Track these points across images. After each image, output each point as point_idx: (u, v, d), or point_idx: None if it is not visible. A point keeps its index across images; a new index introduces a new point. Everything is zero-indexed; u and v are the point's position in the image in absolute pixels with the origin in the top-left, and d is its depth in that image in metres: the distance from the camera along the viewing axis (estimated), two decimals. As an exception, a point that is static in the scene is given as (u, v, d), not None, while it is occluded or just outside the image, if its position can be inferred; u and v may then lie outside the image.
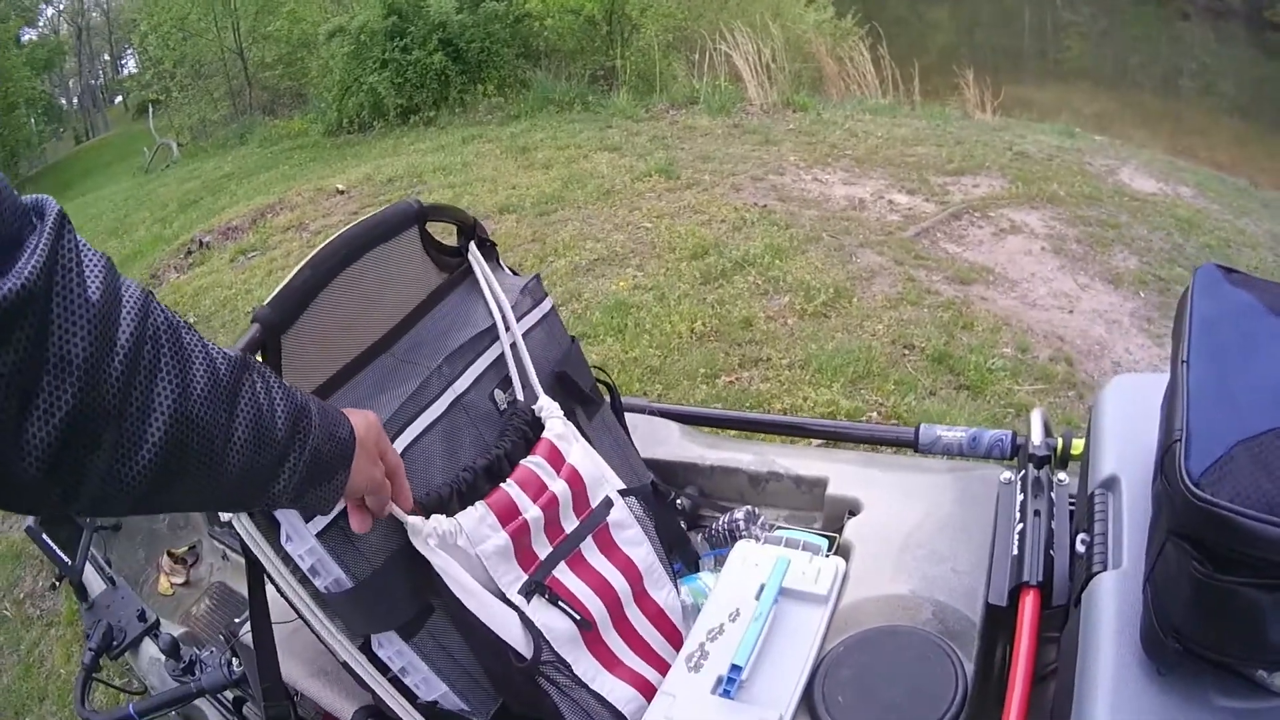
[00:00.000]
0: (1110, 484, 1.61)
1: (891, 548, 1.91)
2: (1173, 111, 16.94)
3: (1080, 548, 1.58)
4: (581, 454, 2.02)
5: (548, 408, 2.05)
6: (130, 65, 46.99)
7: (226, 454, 1.09)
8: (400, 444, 1.77)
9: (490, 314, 2.05)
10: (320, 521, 1.57)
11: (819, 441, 2.87)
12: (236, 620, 2.50)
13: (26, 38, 38.01)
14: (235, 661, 2.37)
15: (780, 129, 11.62)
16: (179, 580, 3.59)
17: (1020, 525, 1.76)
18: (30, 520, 3.19)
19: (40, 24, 41.84)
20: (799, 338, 6.20)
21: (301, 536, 1.57)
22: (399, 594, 1.69)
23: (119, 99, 47.47)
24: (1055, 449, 1.94)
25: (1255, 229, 8.42)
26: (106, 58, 50.55)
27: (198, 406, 1.04)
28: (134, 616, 2.96)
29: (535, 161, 11.32)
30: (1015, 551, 1.71)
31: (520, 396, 2.08)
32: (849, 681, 1.60)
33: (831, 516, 2.20)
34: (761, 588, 1.84)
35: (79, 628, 4.89)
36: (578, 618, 1.85)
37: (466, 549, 1.72)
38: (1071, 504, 1.81)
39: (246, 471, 1.13)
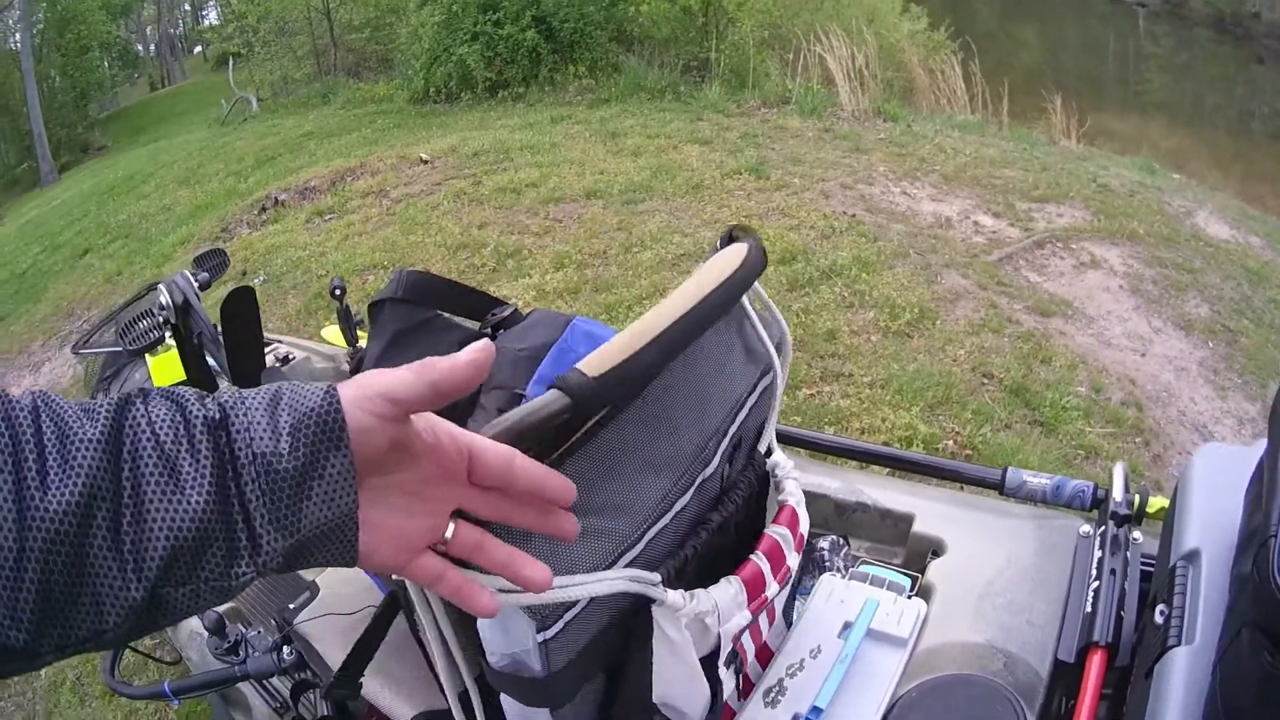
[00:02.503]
0: (1192, 558, 1.57)
1: (972, 594, 1.90)
2: (1244, 154, 16.67)
3: (1159, 619, 1.53)
4: (805, 518, 1.79)
5: (783, 465, 1.78)
6: (211, 16, 47.08)
7: (123, 529, 0.78)
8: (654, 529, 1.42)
9: (744, 373, 1.69)
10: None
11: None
12: (291, 606, 2.24)
13: None
14: (286, 649, 2.19)
15: (870, 137, 11.64)
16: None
17: (1096, 583, 1.77)
18: None
19: None
20: (881, 356, 6.22)
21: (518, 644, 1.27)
22: (585, 676, 1.40)
23: (198, 49, 47.50)
24: (1134, 505, 1.94)
25: None
26: (187, 7, 50.60)
27: (55, 482, 0.76)
28: None
29: (624, 148, 11.38)
30: (1089, 609, 1.72)
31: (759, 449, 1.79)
32: None
33: (914, 553, 2.19)
34: (845, 626, 1.84)
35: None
36: (740, 682, 1.72)
37: (712, 628, 1.51)
38: (1145, 564, 1.81)
39: (183, 528, 0.80)
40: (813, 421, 5.57)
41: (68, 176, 25.39)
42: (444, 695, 1.43)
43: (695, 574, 1.52)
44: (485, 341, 0.97)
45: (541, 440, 1.15)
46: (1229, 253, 8.56)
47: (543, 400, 1.13)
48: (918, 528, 2.18)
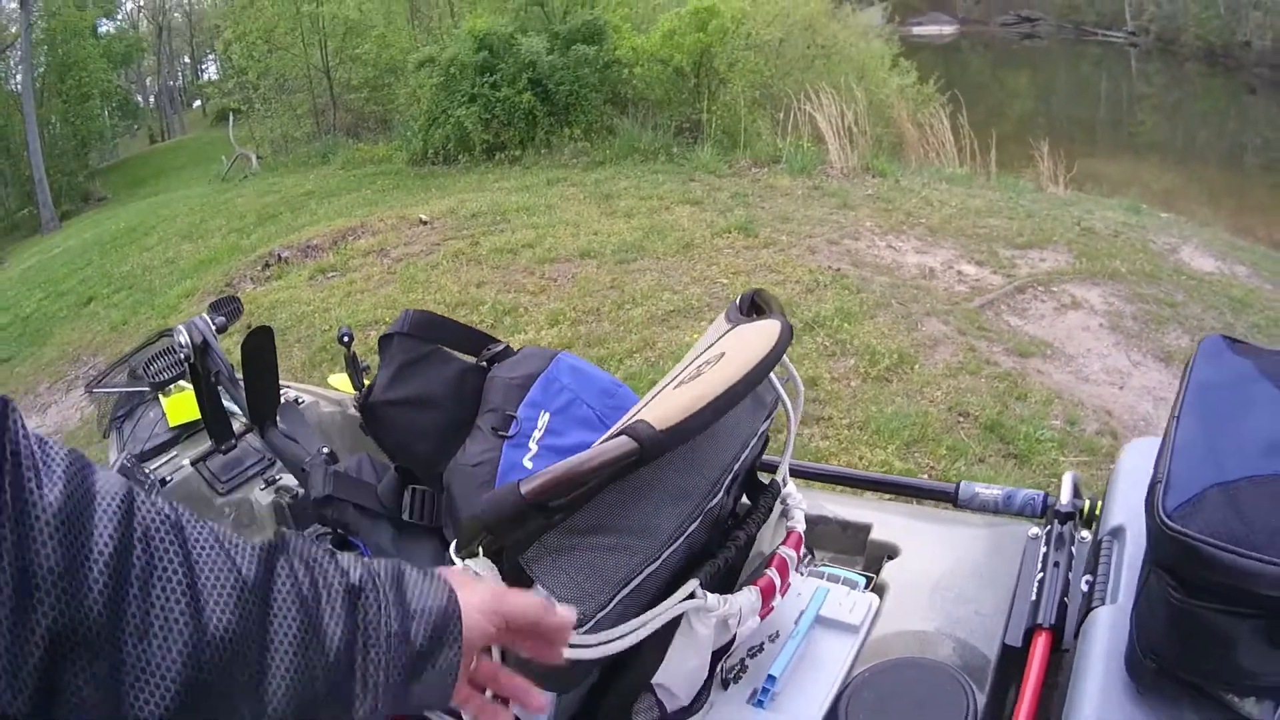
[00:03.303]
0: (1117, 532, 1.77)
1: (923, 589, 2.02)
2: (1236, 188, 17.02)
3: (1084, 587, 1.73)
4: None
5: (794, 497, 2.04)
6: (211, 70, 47.17)
7: (267, 667, 0.92)
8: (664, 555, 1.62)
9: (752, 418, 1.92)
10: None
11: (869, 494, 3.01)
12: None
13: (104, 29, 37.78)
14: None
15: (859, 193, 11.83)
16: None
17: (1040, 574, 1.86)
18: None
19: (119, 17, 41.46)
20: (860, 399, 6.38)
21: None
22: (598, 664, 1.59)
23: (197, 103, 47.64)
24: (1082, 509, 2.08)
25: None
26: (187, 60, 50.65)
27: (217, 618, 0.88)
28: None
29: (618, 209, 11.57)
30: (1033, 597, 1.81)
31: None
32: (871, 704, 1.69)
33: (872, 559, 2.30)
34: (801, 614, 1.97)
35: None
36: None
37: (732, 628, 1.74)
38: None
39: (302, 681, 0.94)
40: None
41: (69, 224, 25.58)
42: None
43: (721, 581, 1.79)
44: (572, 619, 1.28)
45: (606, 475, 1.40)
46: (1212, 284, 8.70)
47: (617, 443, 1.38)
48: (874, 535, 2.32)
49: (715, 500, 1.73)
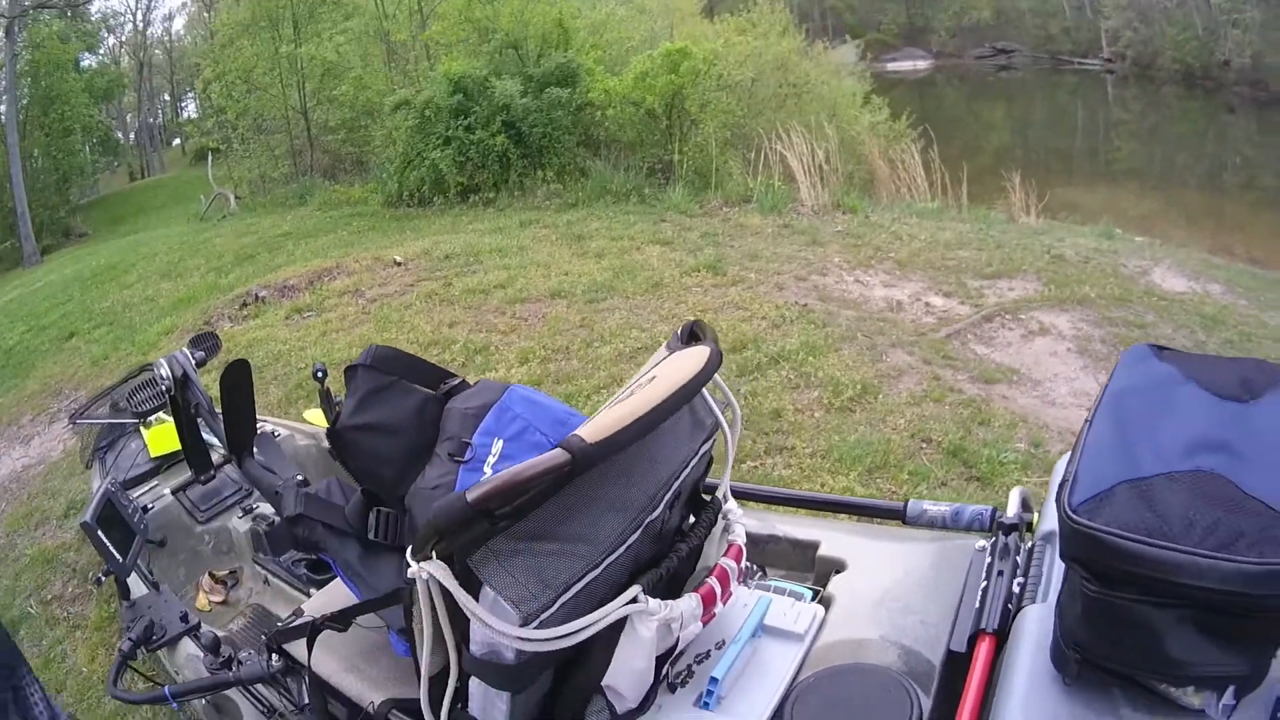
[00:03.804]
0: (1049, 536, 1.87)
1: (868, 600, 2.08)
2: (1215, 208, 17.18)
3: (1016, 588, 1.82)
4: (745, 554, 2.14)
5: (735, 513, 2.18)
6: (190, 108, 47.18)
7: None
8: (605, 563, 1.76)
9: (691, 438, 2.10)
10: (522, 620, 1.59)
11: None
12: (279, 623, 2.61)
13: (86, 63, 37.52)
14: (274, 658, 2.58)
15: (828, 230, 11.94)
16: (218, 599, 3.88)
17: (984, 584, 1.91)
18: (88, 515, 3.27)
19: (101, 51, 41.29)
20: (823, 429, 6.41)
21: (504, 631, 1.60)
22: (549, 664, 1.79)
23: (177, 141, 47.65)
24: (1031, 522, 2.13)
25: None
26: (167, 98, 50.58)
27: None
28: (176, 618, 3.11)
29: (589, 250, 11.65)
30: (978, 605, 1.86)
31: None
32: (816, 708, 1.77)
33: (821, 574, 2.35)
34: (744, 622, 2.03)
35: (106, 633, 5.24)
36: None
37: (675, 632, 1.85)
38: None
39: None
40: None
41: (50, 259, 25.49)
42: (415, 683, 1.82)
43: (665, 589, 1.93)
44: None
45: (542, 484, 1.55)
46: (1184, 303, 8.73)
47: (551, 455, 1.54)
48: (823, 551, 2.39)
49: (655, 514, 1.89)
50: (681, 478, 2.00)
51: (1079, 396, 6.83)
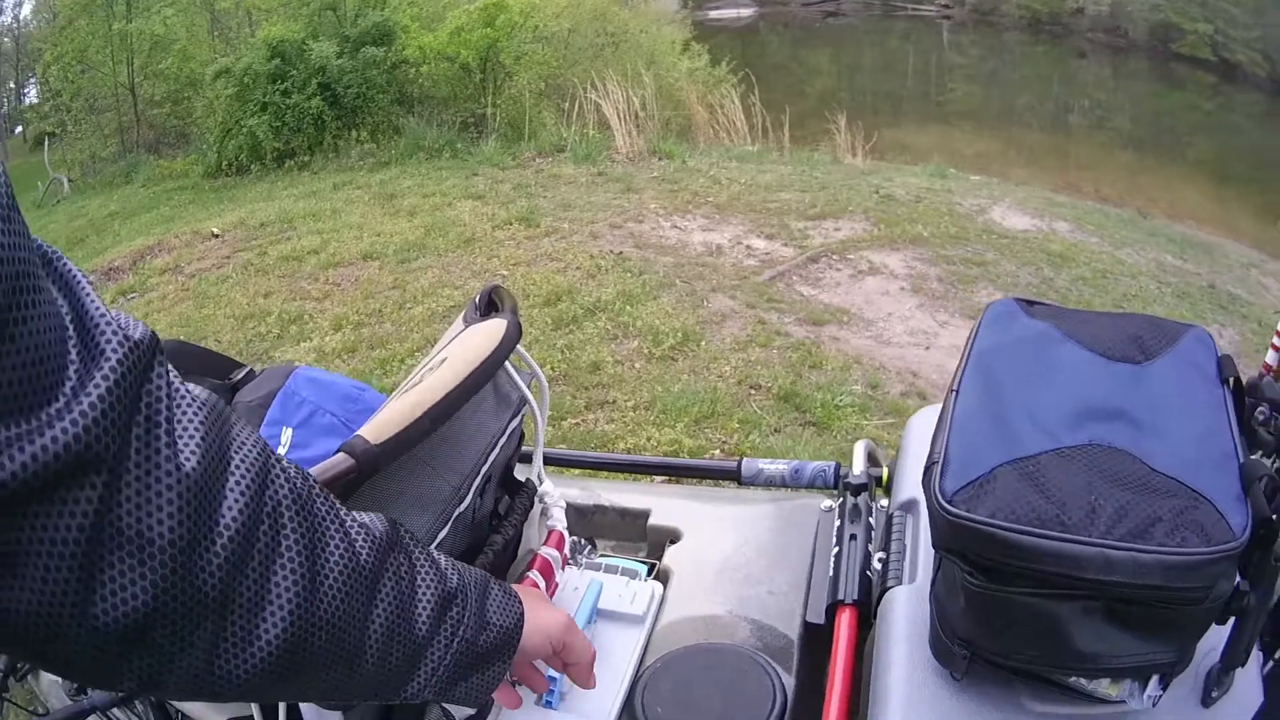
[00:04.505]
0: (909, 506, 1.69)
1: (708, 572, 1.93)
2: (1060, 148, 17.39)
3: (878, 565, 1.64)
4: (568, 539, 1.98)
5: (551, 494, 1.95)
6: (33, 94, 46.69)
7: (360, 653, 0.96)
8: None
9: (496, 418, 1.83)
10: None
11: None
12: None
13: None
14: None
15: (644, 177, 11.81)
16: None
17: (836, 549, 1.77)
18: None
19: None
20: (645, 380, 6.27)
21: None
22: None
23: (19, 129, 47.11)
24: (880, 478, 1.96)
25: (1137, 258, 8.64)
26: (12, 85, 50.07)
27: (328, 601, 0.90)
28: None
29: (401, 209, 11.40)
30: (831, 573, 1.72)
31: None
32: (668, 695, 1.61)
33: (654, 545, 2.21)
34: (576, 611, 1.81)
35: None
36: None
37: None
38: None
39: (380, 670, 1.00)
40: (578, 447, 5.57)
41: None
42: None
43: None
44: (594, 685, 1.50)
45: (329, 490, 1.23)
46: (1028, 241, 8.82)
47: (333, 461, 1.33)
48: (654, 520, 2.21)
49: (464, 505, 1.68)
50: (490, 460, 1.75)
51: (915, 335, 6.85)
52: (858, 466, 1.97)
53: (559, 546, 1.87)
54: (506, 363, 1.76)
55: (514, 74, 15.57)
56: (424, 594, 1.05)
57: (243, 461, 0.84)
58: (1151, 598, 1.10)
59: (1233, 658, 1.21)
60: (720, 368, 6.33)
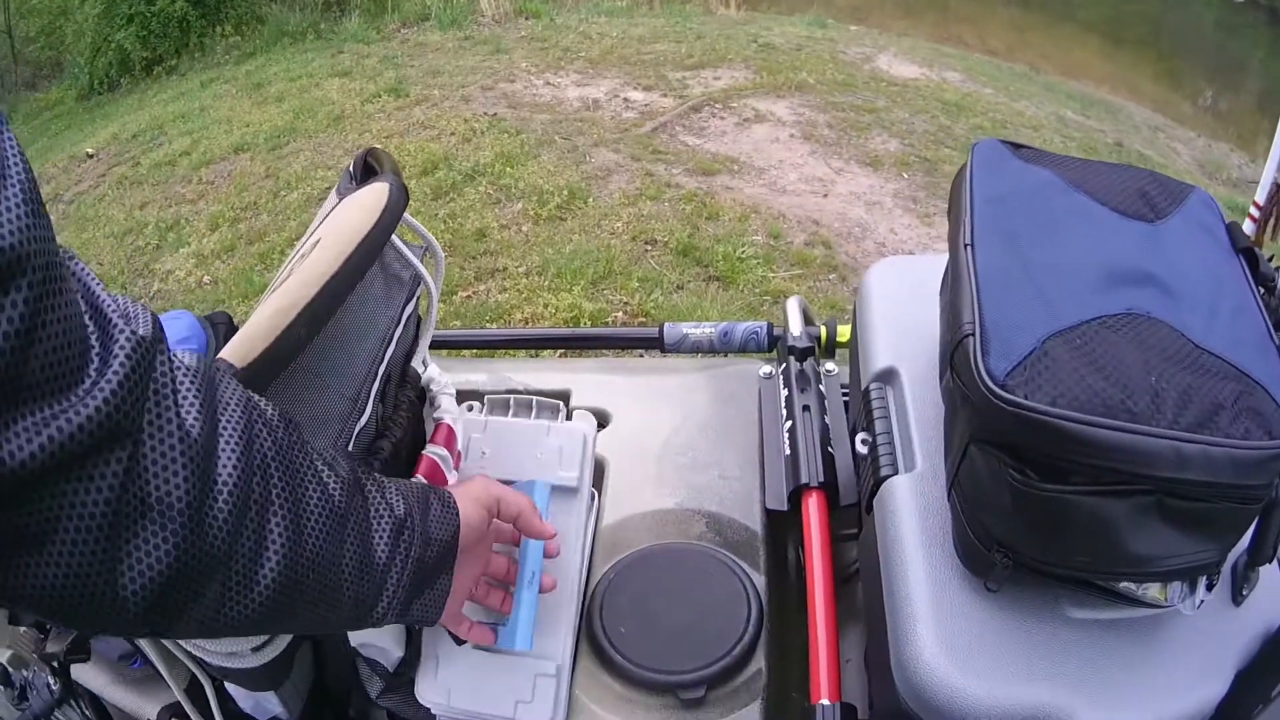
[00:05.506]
0: (887, 377, 1.49)
1: (648, 458, 1.77)
2: (939, 2, 16.98)
3: (862, 448, 1.45)
4: (462, 431, 1.71)
5: (439, 381, 1.72)
6: None
7: (339, 588, 1.01)
8: None
9: (388, 306, 1.58)
10: None
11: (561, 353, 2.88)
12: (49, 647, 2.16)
13: None
14: (52, 680, 2.10)
15: (512, 37, 11.63)
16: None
17: (789, 423, 1.65)
18: None
19: None
20: (535, 244, 6.17)
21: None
22: (296, 651, 1.47)
23: None
24: (820, 338, 1.86)
25: (1036, 111, 8.64)
26: None
27: (312, 543, 0.95)
28: None
29: (269, 96, 11.21)
30: (788, 452, 1.60)
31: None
32: (628, 611, 1.48)
33: None
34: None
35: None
36: None
37: None
38: (844, 395, 1.73)
39: (356, 600, 1.05)
40: (472, 322, 5.61)
41: None
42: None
43: None
44: (553, 532, 1.39)
45: None
46: (919, 89, 8.85)
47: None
48: (577, 402, 1.99)
49: (365, 418, 1.45)
50: (388, 357, 1.53)
51: (811, 183, 6.79)
52: (795, 326, 1.87)
53: (449, 443, 1.63)
54: (394, 235, 1.50)
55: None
56: (378, 524, 1.08)
57: (229, 420, 0.88)
58: (1216, 494, 0.96)
59: (1260, 554, 1.10)
60: (611, 224, 6.22)
